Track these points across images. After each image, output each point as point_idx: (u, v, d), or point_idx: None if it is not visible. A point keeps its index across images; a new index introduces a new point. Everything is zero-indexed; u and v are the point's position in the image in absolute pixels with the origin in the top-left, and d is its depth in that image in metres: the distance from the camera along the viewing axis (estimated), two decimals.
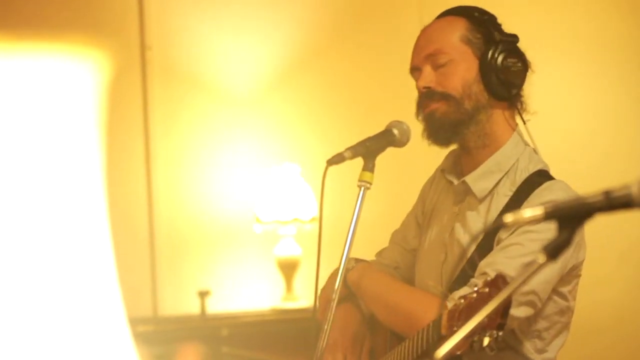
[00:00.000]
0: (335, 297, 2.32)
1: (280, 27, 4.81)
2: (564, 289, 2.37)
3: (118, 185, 4.45)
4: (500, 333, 1.90)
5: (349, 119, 4.72)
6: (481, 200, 2.41)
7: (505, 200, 2.37)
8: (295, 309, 4.56)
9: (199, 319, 4.50)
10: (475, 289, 1.99)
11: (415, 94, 2.46)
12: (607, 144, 4.65)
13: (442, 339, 2.02)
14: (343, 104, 4.85)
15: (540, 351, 2.38)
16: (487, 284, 1.97)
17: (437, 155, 2.56)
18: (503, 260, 2.26)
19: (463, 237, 2.42)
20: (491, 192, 2.41)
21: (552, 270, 2.27)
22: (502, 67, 2.39)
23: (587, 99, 4.71)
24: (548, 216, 1.45)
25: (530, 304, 2.28)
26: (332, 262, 2.38)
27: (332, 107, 4.84)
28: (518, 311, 2.24)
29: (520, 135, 2.45)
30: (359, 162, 2.37)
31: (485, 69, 2.39)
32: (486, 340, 1.90)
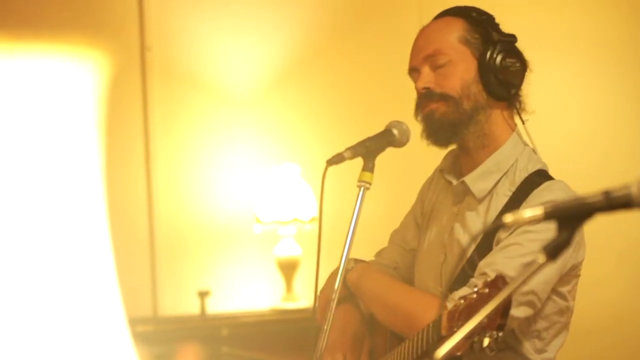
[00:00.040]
0: (335, 297, 2.32)
1: (280, 27, 4.82)
2: (564, 289, 2.37)
3: (118, 186, 4.45)
4: (501, 334, 1.90)
5: (349, 119, 4.72)
6: (480, 201, 2.41)
7: (504, 200, 2.37)
8: (295, 309, 4.56)
9: (199, 319, 4.50)
10: (475, 289, 1.99)
11: (415, 95, 2.47)
12: (607, 144, 4.65)
13: (442, 340, 2.02)
14: (343, 104, 4.85)
15: (540, 351, 2.38)
16: (487, 284, 1.97)
17: (437, 155, 2.56)
18: (502, 260, 2.26)
19: (462, 238, 2.42)
20: (490, 192, 2.41)
21: (552, 270, 2.27)
22: (500, 67, 2.39)
23: (587, 99, 4.71)
24: (548, 216, 1.45)
25: (529, 304, 2.28)
26: (332, 262, 2.38)
27: (332, 107, 4.84)
28: (517, 311, 2.24)
29: (519, 135, 2.45)
30: (358, 162, 2.37)
31: (484, 69, 2.39)
32: (486, 341, 1.90)
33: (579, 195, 1.47)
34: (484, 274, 2.25)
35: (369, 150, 2.36)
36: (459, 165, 2.50)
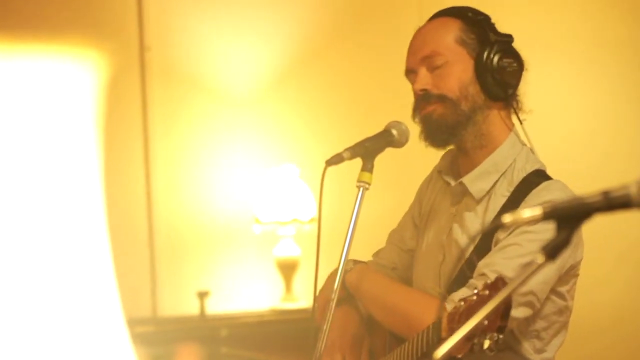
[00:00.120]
0: (334, 297, 2.32)
1: (280, 27, 4.81)
2: (562, 289, 2.37)
3: (117, 186, 4.45)
4: (501, 336, 1.90)
5: (348, 120, 4.72)
6: (479, 201, 2.41)
7: (502, 200, 2.37)
8: (295, 309, 4.56)
9: (198, 319, 4.50)
10: (475, 291, 1.99)
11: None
12: (607, 144, 4.65)
13: (442, 342, 2.02)
14: (342, 104, 4.85)
15: (539, 351, 2.38)
16: (487, 286, 1.97)
17: (436, 155, 2.56)
18: (501, 261, 2.26)
19: (461, 238, 2.41)
20: (488, 192, 2.40)
21: (550, 271, 2.27)
22: (498, 67, 2.39)
23: (587, 99, 4.71)
24: (547, 216, 1.45)
25: (528, 304, 2.28)
26: (331, 262, 2.38)
27: (331, 107, 4.84)
28: (517, 312, 2.24)
29: (517, 135, 2.45)
30: (357, 162, 2.37)
31: (481, 70, 2.39)
32: (486, 343, 1.90)
33: (577, 195, 1.47)
34: (483, 274, 2.25)
35: (368, 150, 2.36)
36: (456, 165, 2.50)
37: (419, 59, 2.42)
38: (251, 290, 4.70)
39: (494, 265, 2.26)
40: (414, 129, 2.44)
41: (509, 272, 2.20)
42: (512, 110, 2.45)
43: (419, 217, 2.60)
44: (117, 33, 4.65)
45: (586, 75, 4.69)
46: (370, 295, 2.47)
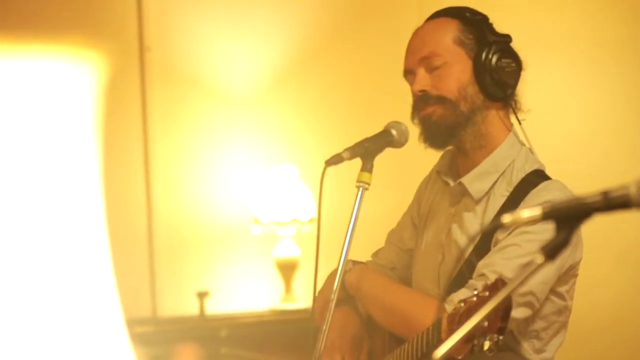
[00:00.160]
0: (334, 297, 2.32)
1: (280, 27, 4.81)
2: (562, 289, 2.37)
3: (117, 186, 4.45)
4: (501, 337, 1.90)
5: (348, 120, 4.72)
6: (478, 201, 2.41)
7: (502, 200, 2.37)
8: (294, 309, 4.56)
9: (198, 319, 4.50)
10: (475, 292, 1.99)
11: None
12: (607, 144, 4.65)
13: (441, 343, 2.02)
14: (342, 104, 4.85)
15: (538, 351, 2.38)
16: (487, 288, 1.97)
17: (435, 155, 2.56)
18: (501, 261, 2.26)
19: (460, 238, 2.41)
20: (488, 193, 2.40)
21: (550, 271, 2.27)
22: (496, 67, 2.39)
23: (587, 99, 4.71)
24: (546, 216, 1.45)
25: (528, 305, 2.28)
26: (330, 262, 2.38)
27: (331, 108, 4.84)
28: (516, 312, 2.24)
29: (516, 135, 2.45)
30: (357, 162, 2.37)
31: (480, 70, 2.39)
32: (487, 345, 1.90)
33: (576, 195, 1.47)
34: (483, 275, 2.24)
35: (367, 150, 2.36)
36: (455, 166, 2.50)
37: (417, 60, 2.42)
38: (251, 290, 4.70)
39: (493, 265, 2.25)
40: (414, 129, 2.44)
41: (508, 272, 2.20)
42: (511, 110, 2.45)
43: (418, 217, 2.60)
44: (117, 33, 4.65)
45: (586, 75, 4.69)
46: (369, 296, 2.47)
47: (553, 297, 2.35)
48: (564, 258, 2.31)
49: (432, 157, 2.58)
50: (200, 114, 4.73)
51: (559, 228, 1.44)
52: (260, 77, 4.79)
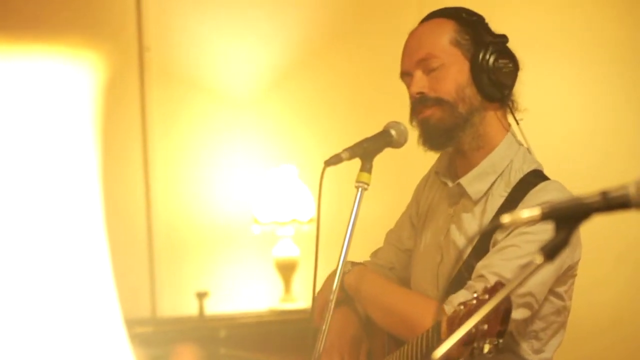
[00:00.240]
0: (333, 298, 2.31)
1: (280, 27, 4.81)
2: (560, 289, 2.36)
3: (116, 187, 4.45)
4: (501, 340, 1.90)
5: (347, 120, 4.72)
6: (476, 202, 2.41)
7: (500, 201, 2.37)
8: (294, 310, 4.56)
9: (197, 320, 4.50)
10: (475, 295, 1.98)
11: None
12: (607, 144, 4.65)
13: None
14: (341, 105, 4.85)
15: (537, 351, 2.38)
16: (486, 290, 1.96)
17: (435, 156, 2.55)
18: (500, 262, 2.26)
19: (459, 239, 2.41)
20: (486, 193, 2.40)
21: (549, 271, 2.27)
22: (493, 68, 2.38)
23: (587, 99, 4.71)
24: (545, 217, 1.45)
25: (527, 305, 2.27)
26: (330, 262, 2.38)
27: (330, 108, 4.85)
28: (516, 313, 2.23)
29: (514, 135, 2.45)
30: (356, 163, 2.37)
31: (477, 71, 2.38)
32: (486, 348, 1.90)
33: (574, 195, 1.47)
34: (482, 276, 2.24)
35: (366, 151, 2.36)
36: (454, 166, 2.50)
37: (414, 61, 2.41)
38: (250, 290, 4.70)
39: (492, 266, 2.25)
40: (413, 130, 2.44)
41: (507, 273, 2.20)
42: (508, 110, 2.44)
43: (417, 217, 2.60)
44: (116, 33, 4.64)
45: (586, 75, 4.69)
46: (368, 297, 2.47)
47: (552, 298, 2.35)
48: (563, 258, 2.30)
49: (431, 157, 2.58)
50: (200, 114, 4.73)
51: (558, 228, 1.44)
52: (260, 78, 4.79)
